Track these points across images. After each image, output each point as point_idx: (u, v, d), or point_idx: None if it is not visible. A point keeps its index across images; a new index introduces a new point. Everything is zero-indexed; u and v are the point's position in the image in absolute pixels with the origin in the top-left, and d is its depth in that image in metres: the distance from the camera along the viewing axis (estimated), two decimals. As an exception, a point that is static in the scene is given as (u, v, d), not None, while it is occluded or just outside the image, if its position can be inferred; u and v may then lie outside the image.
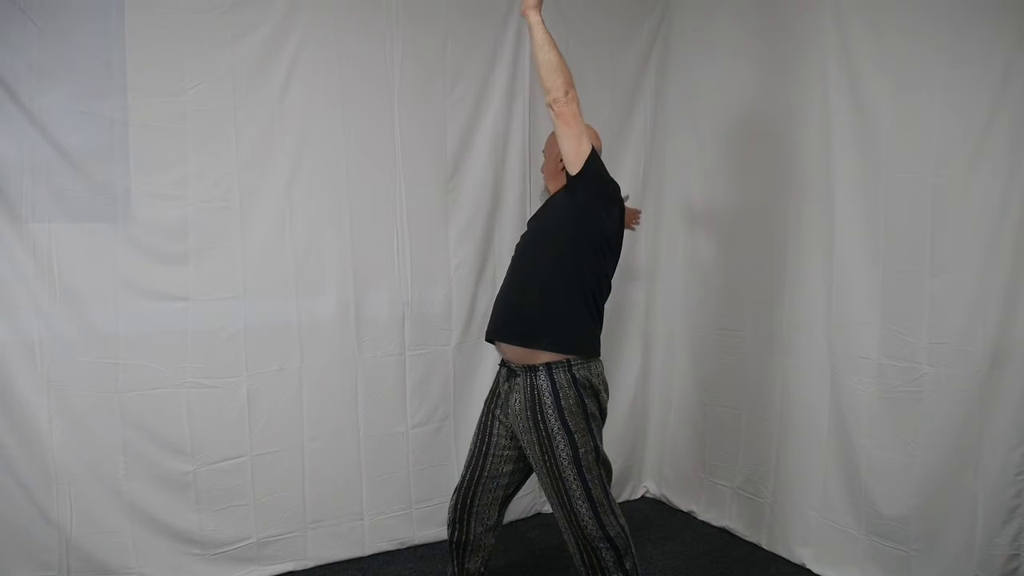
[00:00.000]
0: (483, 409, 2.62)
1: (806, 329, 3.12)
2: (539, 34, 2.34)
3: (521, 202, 3.42)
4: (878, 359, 2.83)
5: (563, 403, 2.38)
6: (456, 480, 2.86)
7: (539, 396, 2.39)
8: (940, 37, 2.59)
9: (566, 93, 2.32)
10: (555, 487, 2.42)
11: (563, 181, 2.51)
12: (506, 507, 2.67)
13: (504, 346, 2.50)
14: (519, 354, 2.45)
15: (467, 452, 2.65)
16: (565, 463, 2.38)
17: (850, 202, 2.91)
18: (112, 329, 2.73)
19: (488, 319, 2.63)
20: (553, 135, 2.60)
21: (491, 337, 2.56)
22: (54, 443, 2.65)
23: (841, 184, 2.94)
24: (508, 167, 3.39)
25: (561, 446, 2.38)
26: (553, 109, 2.34)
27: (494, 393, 2.60)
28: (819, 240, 3.04)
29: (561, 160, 2.47)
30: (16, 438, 2.60)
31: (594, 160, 2.38)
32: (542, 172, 2.70)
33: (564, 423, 2.38)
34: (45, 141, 2.57)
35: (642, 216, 3.60)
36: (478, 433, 2.61)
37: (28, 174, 2.57)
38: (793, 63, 3.12)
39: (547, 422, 2.38)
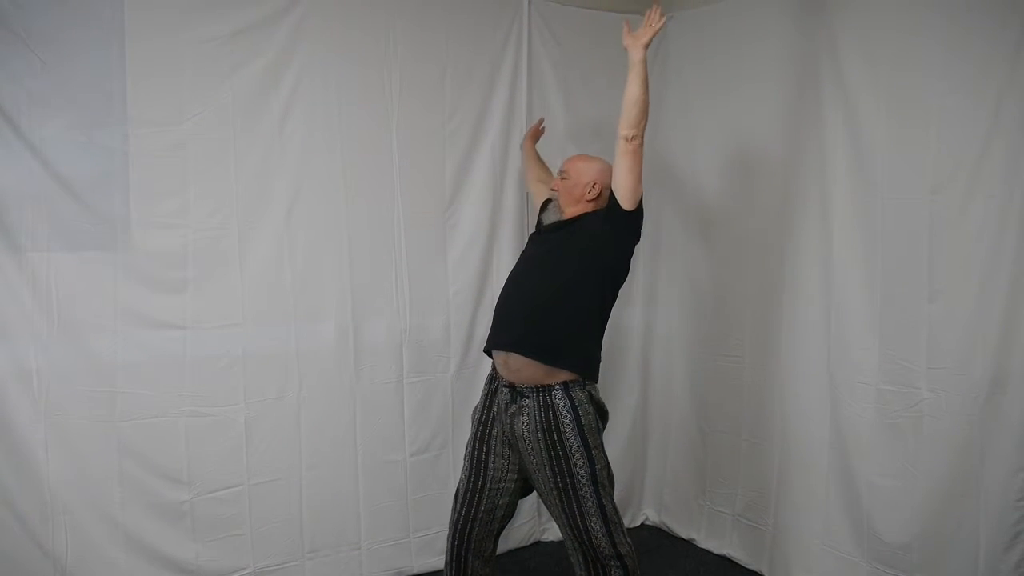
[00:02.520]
0: (472, 443, 2.59)
1: (805, 354, 3.11)
2: (644, 72, 2.46)
3: (518, 229, 3.43)
4: (877, 384, 2.82)
5: (583, 420, 2.42)
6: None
7: (555, 415, 2.40)
8: (934, 65, 2.62)
9: (642, 135, 2.46)
10: (567, 507, 2.41)
11: (584, 208, 2.62)
12: (500, 535, 2.67)
13: (514, 361, 2.47)
14: (534, 372, 2.44)
15: (459, 487, 2.62)
16: (583, 481, 2.40)
17: (847, 228, 2.92)
18: (110, 357, 2.72)
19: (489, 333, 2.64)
20: (582, 159, 2.70)
21: (505, 348, 2.51)
22: (50, 472, 2.63)
23: (838, 211, 2.95)
24: (506, 195, 3.41)
25: (580, 464, 2.40)
26: (629, 144, 2.45)
27: (485, 424, 2.56)
28: (817, 266, 3.05)
29: (592, 189, 2.61)
30: (12, 467, 2.58)
31: (642, 202, 2.53)
32: (555, 189, 2.71)
33: (584, 440, 2.40)
34: (45, 171, 2.58)
35: (641, 236, 3.66)
36: (471, 467, 2.57)
37: (28, 203, 2.57)
38: (789, 92, 3.14)
39: (564, 441, 2.39)
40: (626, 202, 2.48)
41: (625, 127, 2.46)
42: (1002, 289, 2.47)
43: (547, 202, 2.84)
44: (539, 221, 2.81)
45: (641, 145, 2.47)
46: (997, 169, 2.48)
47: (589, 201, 2.62)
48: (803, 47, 3.07)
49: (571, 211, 2.63)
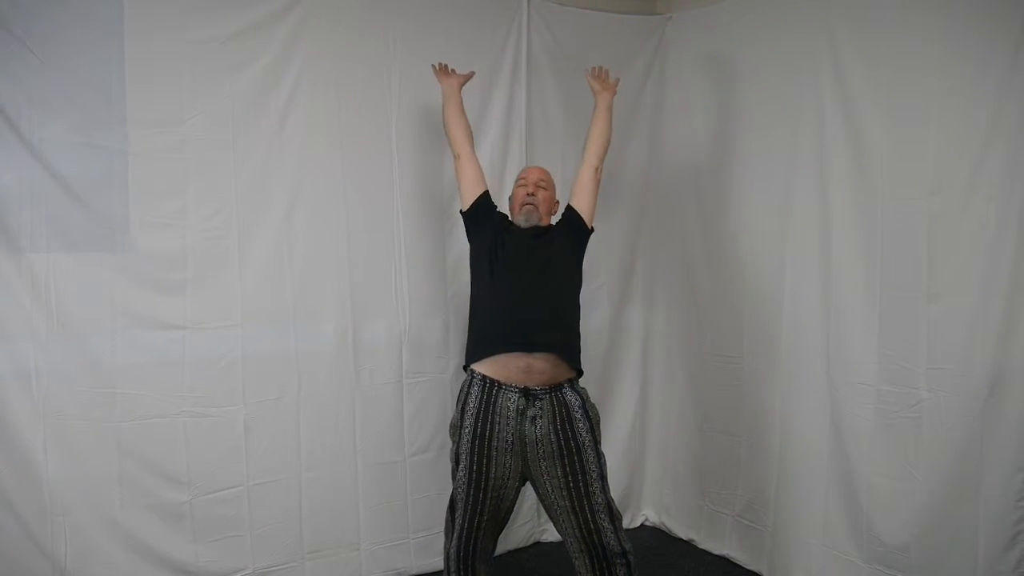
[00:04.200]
0: (469, 457, 2.50)
1: (804, 355, 3.11)
2: (611, 115, 2.94)
3: (519, 230, 3.43)
4: (877, 385, 2.82)
5: (591, 414, 2.53)
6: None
7: (569, 412, 2.47)
8: (933, 65, 2.62)
9: None
10: (578, 506, 2.43)
11: (550, 219, 2.83)
12: (500, 535, 2.68)
13: (540, 363, 2.48)
14: (555, 372, 2.50)
15: (457, 499, 2.55)
16: (594, 476, 2.45)
17: (847, 229, 2.92)
18: (109, 358, 2.72)
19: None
20: (547, 173, 2.90)
21: (540, 349, 2.49)
22: (49, 473, 2.63)
23: (838, 211, 2.95)
24: (504, 195, 3.38)
25: (591, 459, 2.46)
26: (597, 173, 2.84)
27: (483, 437, 2.48)
28: (816, 266, 3.05)
29: (558, 205, 2.90)
30: (11, 468, 2.58)
31: None
32: (534, 196, 2.78)
33: (594, 435, 2.50)
34: (45, 172, 2.58)
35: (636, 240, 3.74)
36: (470, 481, 2.50)
37: (27, 204, 2.57)
38: (789, 93, 3.14)
39: (578, 437, 2.45)
40: (591, 221, 2.80)
41: (596, 158, 2.85)
42: (1002, 289, 2.47)
43: (485, 194, 2.82)
44: (515, 229, 2.76)
45: None
46: (997, 169, 2.48)
47: (552, 213, 2.85)
48: (803, 47, 3.07)
49: (546, 220, 2.80)
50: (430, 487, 3.30)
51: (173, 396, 2.82)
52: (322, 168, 3.04)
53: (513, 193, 2.88)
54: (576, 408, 2.49)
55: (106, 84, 2.67)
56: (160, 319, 2.79)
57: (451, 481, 2.62)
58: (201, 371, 2.85)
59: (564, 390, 2.51)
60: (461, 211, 2.86)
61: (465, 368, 2.65)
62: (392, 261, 3.20)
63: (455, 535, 2.56)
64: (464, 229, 2.88)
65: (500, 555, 2.97)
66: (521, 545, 3.57)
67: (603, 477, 2.48)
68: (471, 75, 3.09)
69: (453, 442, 2.60)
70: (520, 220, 2.76)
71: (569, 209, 2.80)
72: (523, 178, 2.86)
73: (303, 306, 3.03)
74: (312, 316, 3.05)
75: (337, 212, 3.08)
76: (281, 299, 3.00)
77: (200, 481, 2.86)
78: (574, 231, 2.76)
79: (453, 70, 3.05)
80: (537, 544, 3.62)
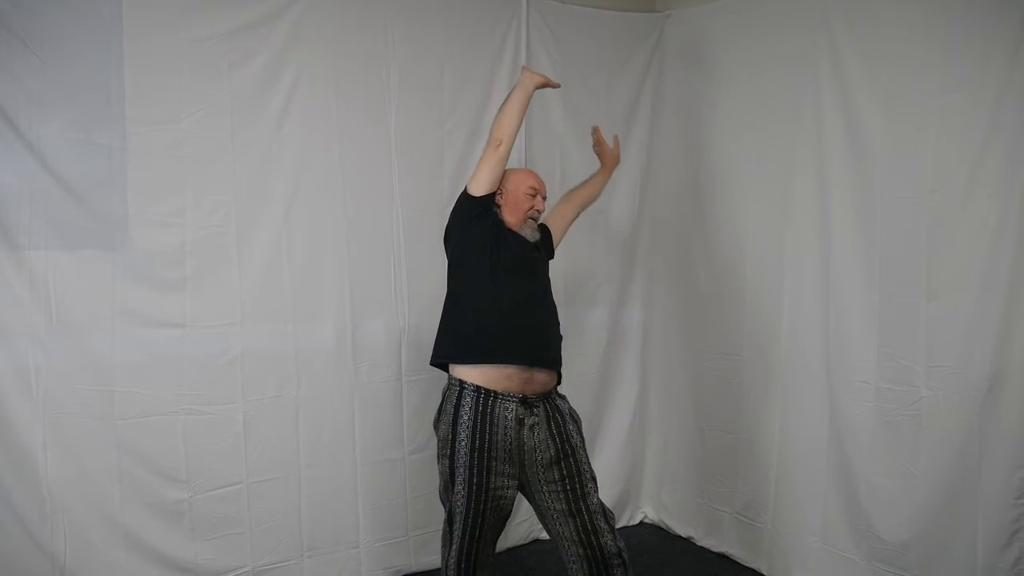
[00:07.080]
0: (465, 471, 2.42)
1: (804, 353, 3.12)
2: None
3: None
4: (876, 383, 2.83)
5: (577, 417, 2.56)
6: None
7: (561, 418, 2.50)
8: (933, 63, 2.62)
9: None
10: (576, 509, 2.44)
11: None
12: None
13: (541, 376, 2.48)
14: (550, 382, 2.52)
15: (455, 511, 2.47)
16: (587, 478, 2.48)
17: (846, 227, 2.93)
18: (109, 356, 2.71)
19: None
20: None
21: (546, 366, 2.49)
22: (49, 472, 2.63)
23: (837, 209, 2.95)
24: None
25: (584, 461, 2.48)
26: (576, 215, 2.97)
27: (481, 449, 2.41)
28: (816, 265, 3.05)
29: None
30: (10, 467, 2.57)
31: None
32: (540, 211, 2.69)
33: (583, 438, 2.53)
34: (44, 170, 2.58)
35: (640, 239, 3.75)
36: (469, 494, 2.42)
37: (27, 202, 2.57)
38: (788, 91, 3.14)
39: (571, 441, 2.47)
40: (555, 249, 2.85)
41: (582, 205, 2.98)
42: (1001, 288, 2.48)
43: (493, 195, 2.61)
44: (515, 235, 2.62)
45: None
46: (996, 168, 2.48)
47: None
48: (802, 46, 3.07)
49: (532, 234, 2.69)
50: (429, 485, 3.28)
51: (172, 394, 2.81)
52: (321, 166, 3.04)
53: (515, 194, 2.64)
54: (565, 412, 2.53)
55: (105, 82, 2.66)
56: (159, 317, 2.79)
57: (443, 496, 2.54)
58: (200, 369, 2.85)
59: (553, 396, 2.54)
60: (470, 192, 2.56)
61: (433, 364, 2.64)
62: (391, 259, 3.20)
63: (454, 547, 2.48)
64: (457, 208, 2.64)
65: (499, 553, 2.97)
66: (520, 543, 3.58)
67: (594, 478, 2.51)
68: (555, 85, 2.81)
69: (444, 457, 2.49)
70: (526, 232, 2.64)
71: (546, 230, 2.77)
72: (535, 188, 2.66)
73: (302, 304, 3.03)
74: (311, 314, 3.05)
75: (336, 210, 3.08)
76: (280, 297, 2.99)
77: (199, 479, 2.86)
78: (547, 253, 2.76)
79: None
80: (536, 542, 3.63)
